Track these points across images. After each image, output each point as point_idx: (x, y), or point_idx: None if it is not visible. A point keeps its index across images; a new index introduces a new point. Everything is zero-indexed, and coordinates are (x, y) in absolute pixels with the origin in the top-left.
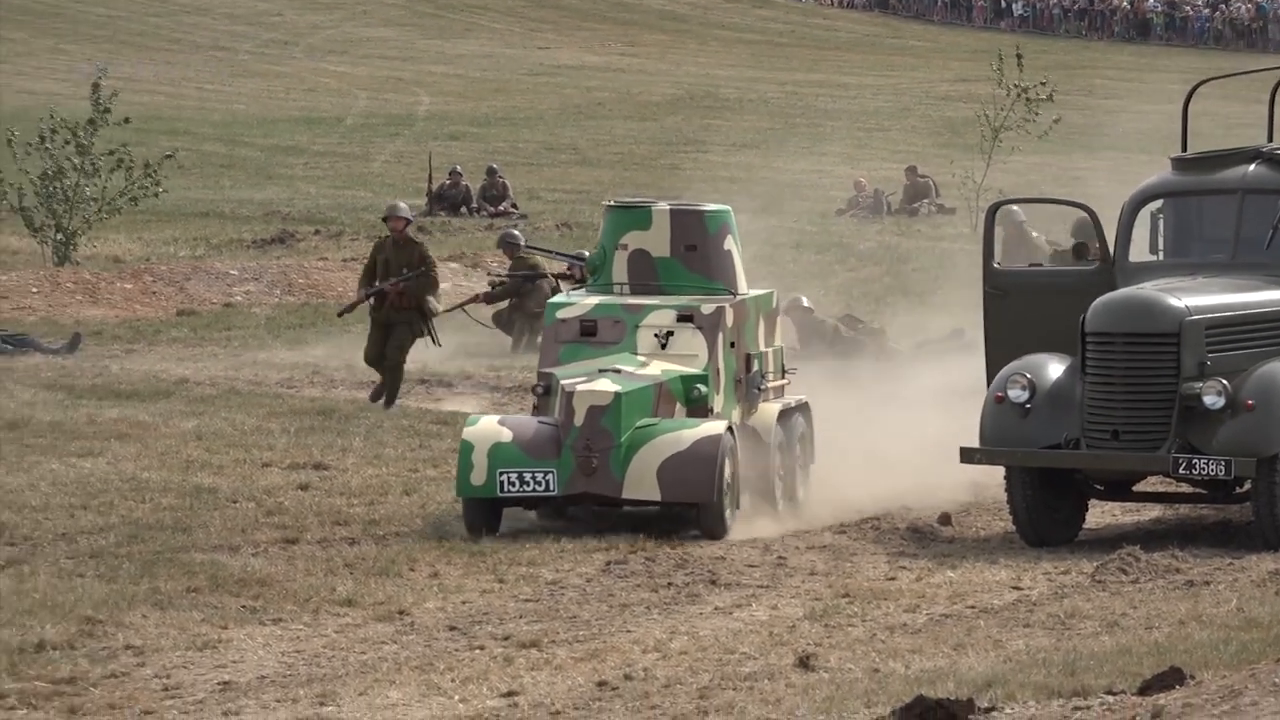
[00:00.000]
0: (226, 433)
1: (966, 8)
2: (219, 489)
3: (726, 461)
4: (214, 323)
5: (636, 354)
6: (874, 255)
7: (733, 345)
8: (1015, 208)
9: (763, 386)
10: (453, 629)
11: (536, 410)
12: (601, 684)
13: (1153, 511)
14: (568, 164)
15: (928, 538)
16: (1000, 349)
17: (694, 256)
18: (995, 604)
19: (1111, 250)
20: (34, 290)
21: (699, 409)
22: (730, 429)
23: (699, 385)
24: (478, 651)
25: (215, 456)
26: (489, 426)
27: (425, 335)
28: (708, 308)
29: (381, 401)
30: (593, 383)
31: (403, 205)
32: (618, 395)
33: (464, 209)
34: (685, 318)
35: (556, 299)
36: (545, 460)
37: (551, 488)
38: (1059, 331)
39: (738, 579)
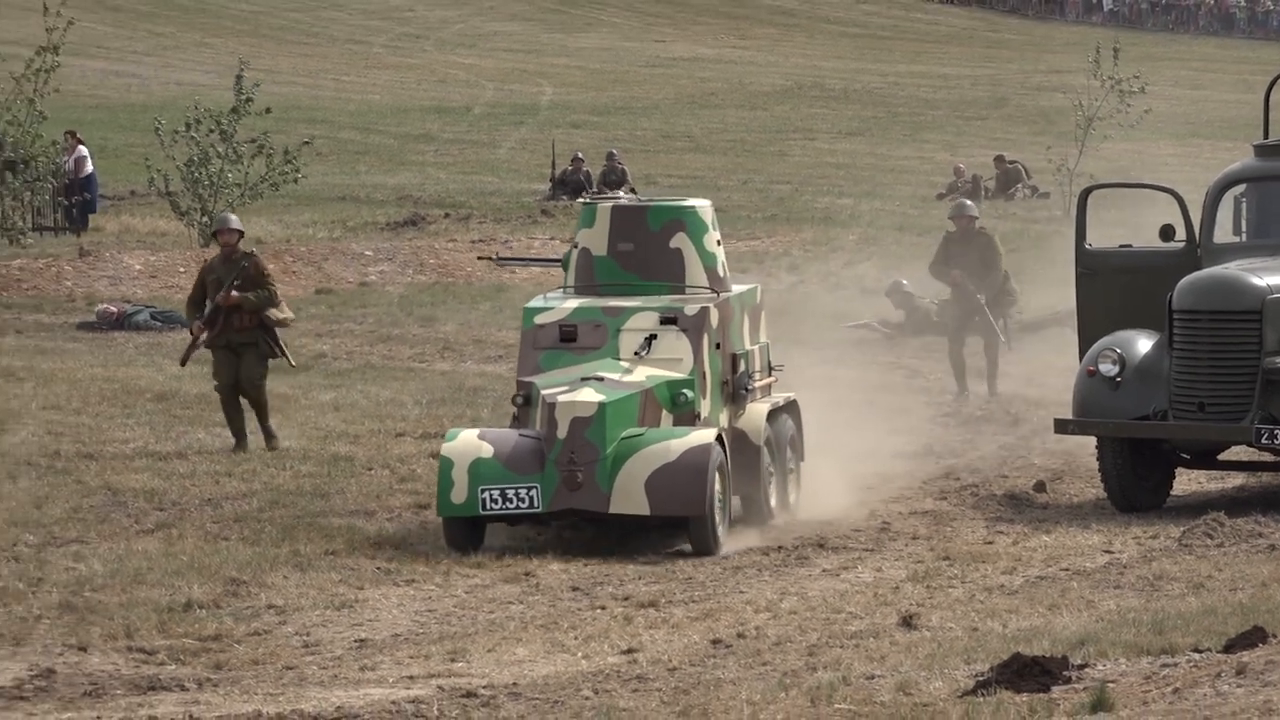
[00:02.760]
0: (362, 404)
1: (1060, 3)
2: (355, 457)
3: (717, 472)
4: (350, 300)
5: (619, 359)
6: None
7: (718, 346)
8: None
9: (750, 387)
10: (575, 589)
11: (516, 422)
12: (716, 642)
13: (1237, 479)
14: (682, 150)
15: (1024, 504)
16: (1091, 326)
17: (629, 256)
18: (1087, 567)
19: (1197, 232)
20: (181, 270)
21: (685, 415)
22: (720, 438)
23: (685, 390)
24: (599, 611)
25: (352, 427)
26: (469, 441)
27: (277, 355)
28: (691, 309)
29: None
30: (575, 393)
31: (233, 218)
32: (602, 405)
33: (585, 193)
34: (669, 320)
35: (533, 303)
36: (528, 476)
37: (536, 504)
38: (1147, 309)
39: (844, 543)
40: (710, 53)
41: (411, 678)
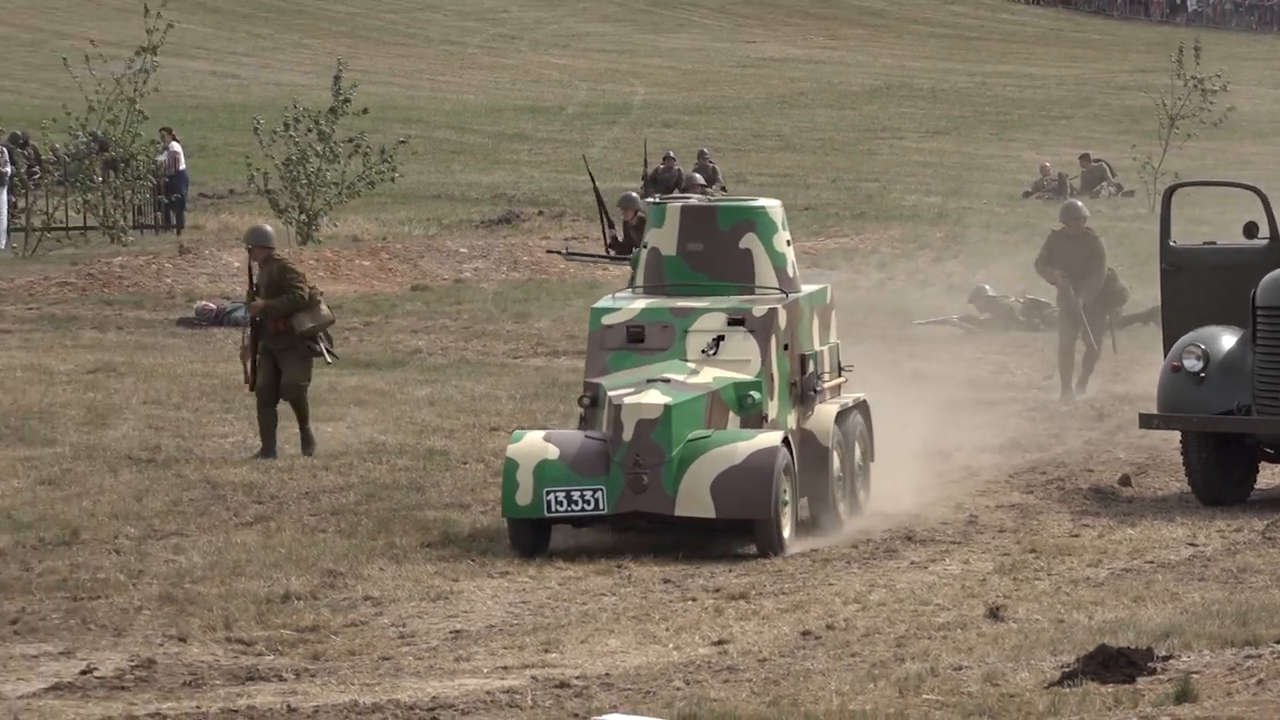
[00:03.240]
0: (457, 399)
1: (1144, 3)
2: (450, 451)
3: (783, 475)
4: (445, 297)
5: (686, 361)
6: None
7: (786, 347)
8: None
9: (819, 388)
10: (667, 582)
11: (583, 422)
12: (805, 633)
13: None
14: (773, 149)
15: (1109, 498)
16: (1176, 322)
17: (698, 256)
18: (1172, 559)
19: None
20: None
21: (753, 417)
22: (786, 440)
23: (752, 392)
24: (690, 603)
25: (447, 421)
26: (534, 443)
27: (319, 355)
28: (759, 309)
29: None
30: (641, 394)
31: (265, 230)
32: (668, 408)
33: (676, 191)
34: (736, 321)
35: (601, 303)
36: (593, 478)
37: (601, 506)
38: (1231, 305)
39: (932, 535)
40: (800, 53)
41: (506, 668)
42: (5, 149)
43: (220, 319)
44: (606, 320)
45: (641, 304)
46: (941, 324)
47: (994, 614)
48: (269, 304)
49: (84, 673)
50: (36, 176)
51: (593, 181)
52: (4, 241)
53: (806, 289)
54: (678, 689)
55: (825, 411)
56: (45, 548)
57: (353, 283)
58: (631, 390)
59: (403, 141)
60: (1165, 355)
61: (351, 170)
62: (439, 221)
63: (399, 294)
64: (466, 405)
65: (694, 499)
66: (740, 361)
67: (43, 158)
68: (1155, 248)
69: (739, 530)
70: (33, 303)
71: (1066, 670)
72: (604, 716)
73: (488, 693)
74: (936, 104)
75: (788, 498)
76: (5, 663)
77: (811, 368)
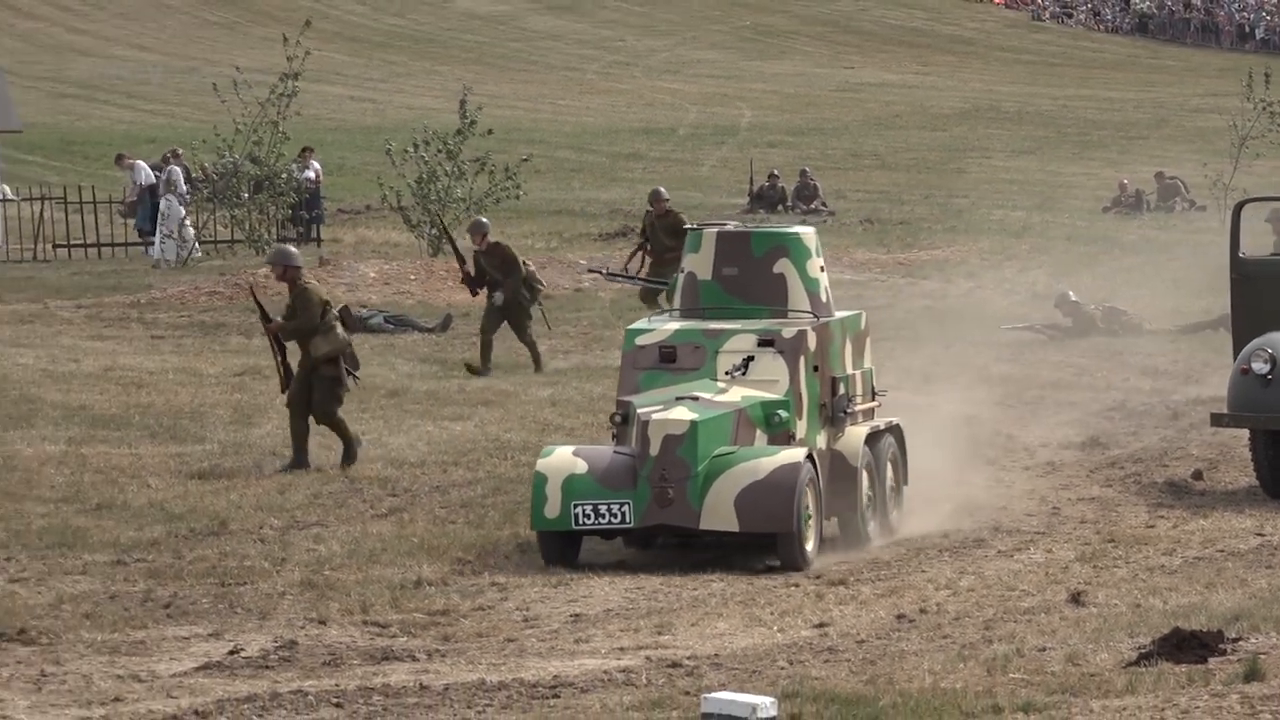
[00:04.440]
0: (576, 400)
1: (1215, 31)
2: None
3: (806, 490)
4: (565, 305)
5: (716, 380)
6: (1135, 247)
7: (816, 369)
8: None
9: (849, 410)
10: (771, 569)
11: (615, 439)
12: (900, 617)
13: None
14: (870, 168)
15: (1182, 491)
16: (1245, 328)
17: (733, 280)
18: (1241, 548)
19: None
20: (411, 277)
21: (781, 435)
22: (810, 456)
23: (780, 411)
24: (793, 588)
25: (567, 420)
26: (563, 458)
27: (348, 375)
28: (789, 331)
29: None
30: (668, 411)
31: (289, 251)
32: (694, 424)
33: (780, 207)
34: (766, 342)
35: (635, 325)
36: (620, 491)
37: (627, 519)
38: None
39: (1018, 526)
40: (895, 78)
41: (622, 649)
42: (184, 168)
43: (357, 326)
44: (640, 340)
45: (675, 325)
46: (1026, 330)
47: (1075, 599)
48: (283, 326)
49: (231, 653)
50: (188, 194)
51: (446, 234)
52: (167, 253)
53: (840, 314)
54: (781, 668)
55: (855, 433)
56: (195, 537)
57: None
58: (660, 407)
59: (525, 160)
60: (1235, 359)
61: (478, 187)
62: (560, 235)
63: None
64: (585, 405)
65: (718, 513)
66: (769, 381)
67: (193, 176)
68: (1225, 259)
69: (764, 545)
70: (184, 310)
71: (1143, 651)
72: (713, 694)
73: (605, 672)
74: (1022, 125)
75: (811, 512)
76: (159, 644)
77: (842, 390)
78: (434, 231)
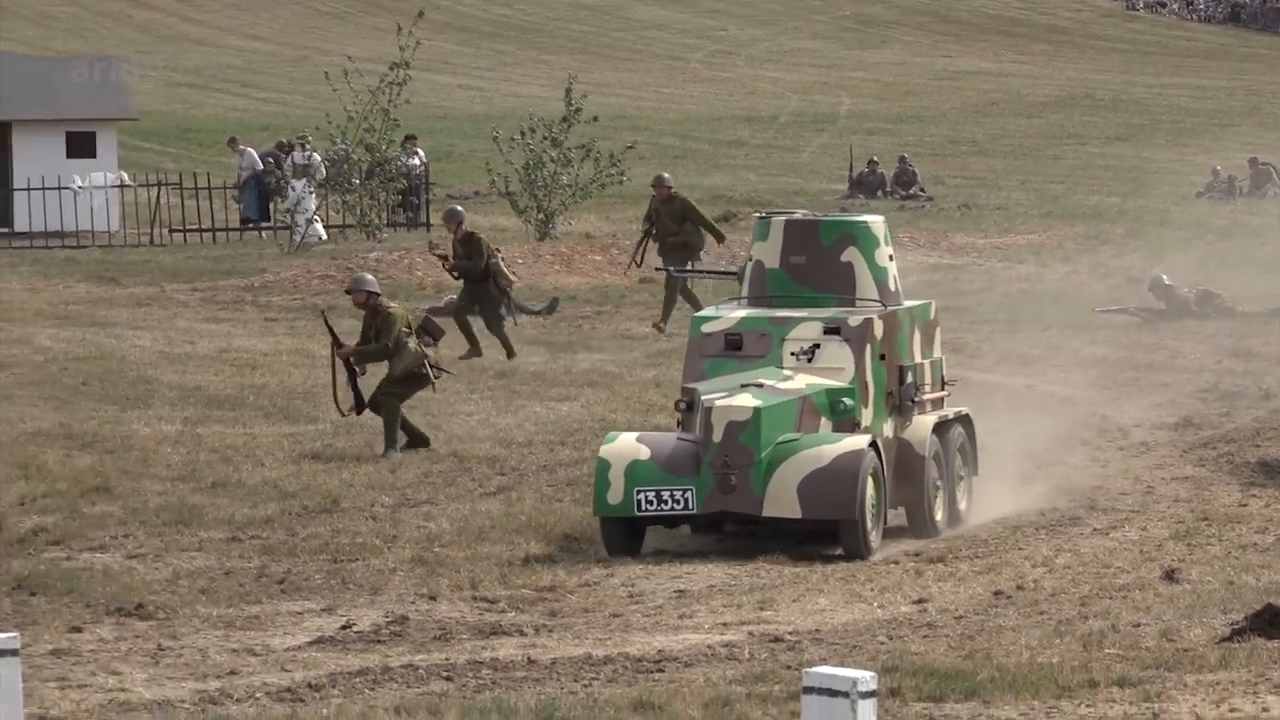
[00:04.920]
0: (679, 380)
1: None
2: (673, 428)
3: (869, 478)
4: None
5: (782, 368)
6: (1228, 231)
7: (883, 357)
8: None
9: (916, 399)
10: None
11: (681, 426)
12: (997, 593)
13: None
14: (967, 154)
15: (1275, 470)
16: None
17: (800, 268)
18: None
19: None
20: (520, 261)
21: (845, 423)
22: (874, 444)
23: (844, 399)
24: (893, 566)
25: (670, 400)
26: (627, 444)
27: (426, 380)
28: (855, 319)
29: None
30: (732, 398)
31: (366, 279)
32: (757, 410)
33: (879, 192)
34: (832, 330)
35: (702, 313)
36: (684, 478)
37: (690, 506)
38: None
39: (1113, 505)
40: (992, 67)
41: (725, 624)
42: (317, 155)
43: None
44: (706, 328)
45: (742, 313)
46: (1120, 312)
47: (1169, 576)
48: (359, 351)
49: (344, 628)
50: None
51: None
52: (305, 236)
53: (909, 303)
54: (881, 643)
55: (923, 422)
56: (309, 515)
57: (585, 275)
58: (724, 394)
59: (630, 147)
60: None
61: (584, 174)
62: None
63: (627, 286)
64: None
65: (781, 500)
66: (834, 369)
67: (319, 161)
68: None
69: (827, 533)
70: (297, 294)
71: (1236, 627)
72: (814, 668)
73: (708, 646)
74: (1116, 113)
75: (875, 500)
76: (273, 619)
77: (910, 379)
78: (540, 217)
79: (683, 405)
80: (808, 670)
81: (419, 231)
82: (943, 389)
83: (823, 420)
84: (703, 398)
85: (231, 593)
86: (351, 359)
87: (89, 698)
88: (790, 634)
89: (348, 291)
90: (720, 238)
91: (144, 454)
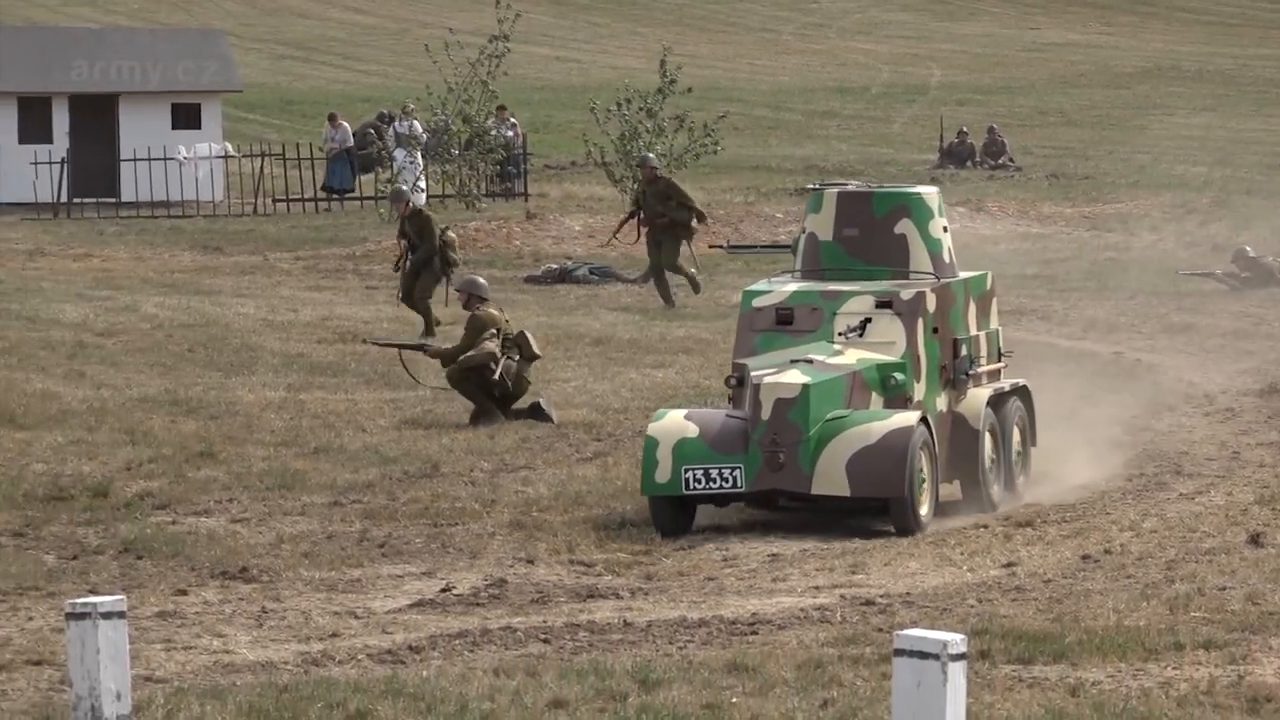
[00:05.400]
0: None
1: None
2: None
3: (919, 454)
4: (762, 257)
5: (833, 342)
6: None
7: (936, 331)
8: None
9: (971, 372)
10: (960, 512)
11: (732, 403)
12: (1085, 557)
13: None
14: (1055, 125)
15: None
16: None
17: (854, 241)
18: None
19: None
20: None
21: (897, 398)
22: (925, 419)
23: (895, 374)
24: (982, 530)
25: None
26: (674, 422)
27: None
28: (907, 293)
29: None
30: (781, 374)
31: (478, 281)
32: (806, 387)
33: (969, 163)
34: (884, 304)
35: (754, 286)
36: (732, 456)
37: (739, 484)
38: None
39: (1199, 470)
40: (1079, 38)
41: (817, 588)
42: (416, 122)
43: (563, 277)
44: (757, 303)
45: (793, 287)
46: (1206, 276)
47: (1254, 540)
48: (441, 352)
49: (443, 591)
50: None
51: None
52: (424, 199)
53: (964, 275)
54: (971, 606)
55: (977, 395)
56: (409, 479)
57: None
58: (773, 370)
59: (723, 118)
60: None
61: (678, 144)
62: (757, 189)
63: (722, 255)
64: None
65: (830, 477)
66: (886, 343)
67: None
68: None
69: (878, 509)
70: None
71: None
72: (905, 631)
73: (801, 609)
74: (1202, 84)
75: (925, 476)
76: (374, 582)
77: (964, 351)
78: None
79: (733, 381)
80: (899, 633)
81: (516, 201)
82: (999, 360)
83: (873, 396)
84: (752, 374)
85: (333, 556)
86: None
87: (194, 659)
88: (881, 597)
89: (457, 290)
90: (701, 217)
91: (248, 420)
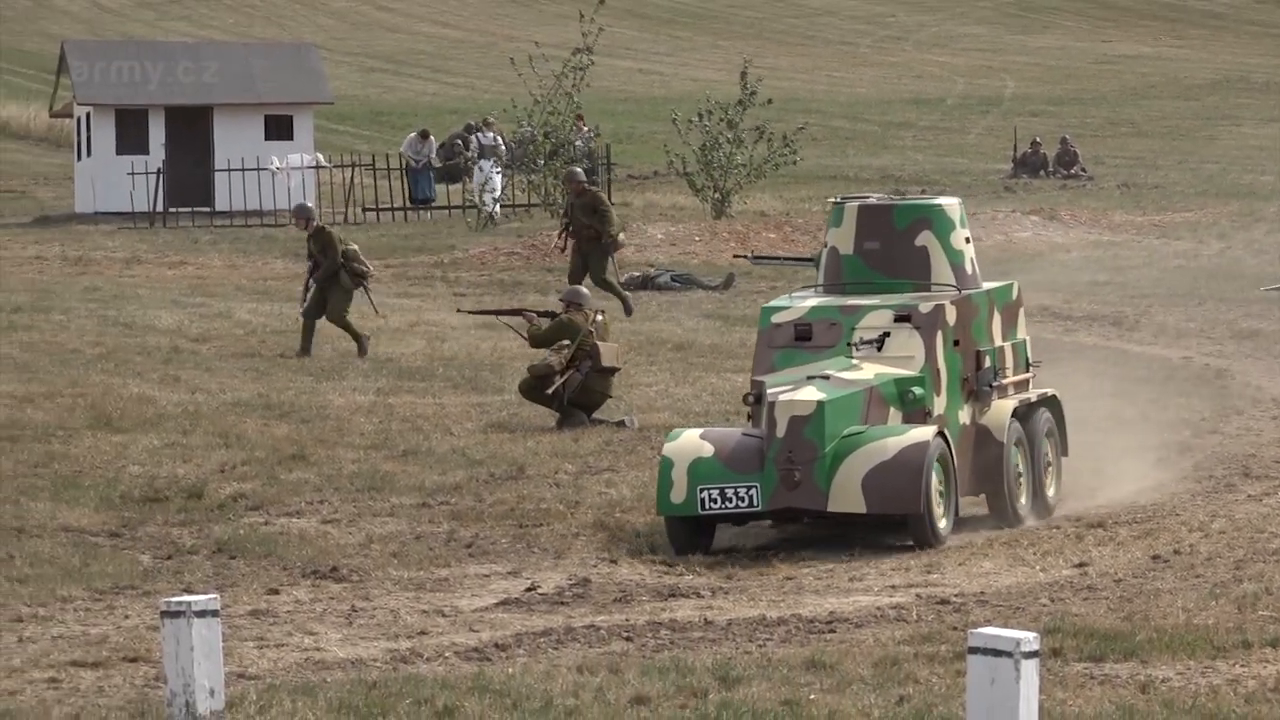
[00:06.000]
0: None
1: None
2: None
3: (935, 468)
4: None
5: (851, 358)
6: None
7: (957, 343)
8: None
9: (995, 383)
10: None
11: (751, 420)
12: (1155, 557)
13: None
14: (1126, 135)
15: None
16: None
17: (874, 254)
18: None
19: None
20: (696, 238)
21: (916, 413)
22: (942, 433)
23: (914, 388)
24: (1054, 531)
25: None
26: (690, 441)
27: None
28: (926, 306)
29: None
30: (796, 392)
31: (583, 292)
32: (820, 404)
33: (1042, 172)
34: (903, 317)
35: (773, 302)
36: (748, 474)
37: (755, 503)
38: None
39: (1266, 472)
40: (1150, 51)
41: (893, 587)
42: (501, 136)
43: (646, 283)
44: (776, 319)
45: (812, 302)
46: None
47: None
48: (534, 325)
49: (529, 590)
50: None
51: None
52: (496, 209)
53: (988, 285)
54: (1044, 605)
55: (1002, 407)
56: (495, 481)
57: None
58: (788, 387)
59: (801, 129)
60: None
61: (758, 154)
62: (834, 199)
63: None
64: None
65: (846, 495)
66: (904, 358)
67: (506, 141)
68: None
69: (897, 524)
70: (484, 270)
71: None
72: (979, 629)
73: (878, 608)
74: (1270, 95)
75: (942, 490)
76: (461, 581)
77: (989, 363)
78: (717, 196)
79: (751, 399)
80: (973, 631)
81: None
82: (1027, 371)
83: (891, 411)
84: (768, 391)
85: (421, 556)
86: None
87: (285, 656)
88: (956, 596)
89: (563, 300)
90: (613, 238)
91: (338, 423)
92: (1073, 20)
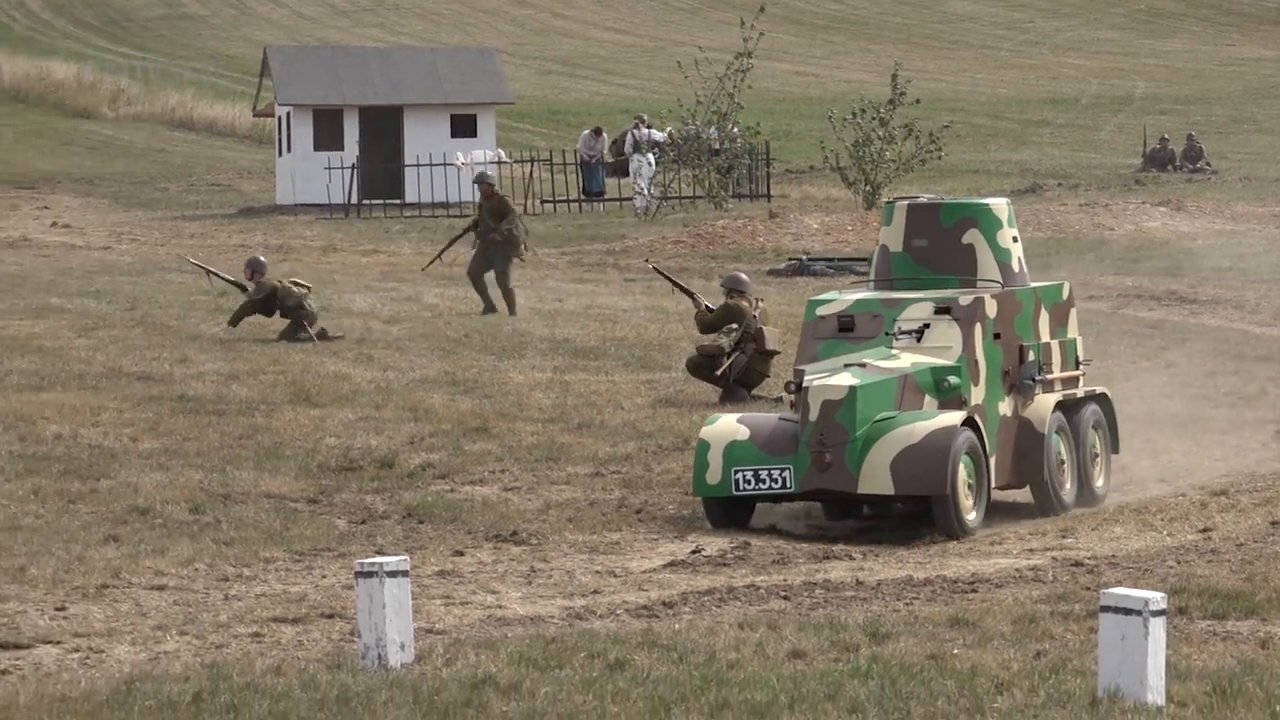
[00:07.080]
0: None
1: None
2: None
3: (963, 454)
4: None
5: (890, 348)
6: None
7: (998, 336)
8: None
9: (1037, 378)
10: (1161, 481)
11: (793, 407)
12: (1275, 523)
13: None
14: (1248, 132)
15: None
16: None
17: (922, 251)
18: None
19: None
20: (849, 228)
21: (952, 401)
22: (971, 420)
23: (950, 377)
24: (1180, 498)
25: None
26: (727, 425)
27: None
28: (965, 299)
29: None
30: (830, 378)
31: (742, 278)
32: (852, 389)
33: (1169, 167)
34: (943, 310)
35: (820, 296)
36: (781, 457)
37: (788, 484)
38: None
39: None
40: (1271, 54)
41: (1031, 550)
42: (658, 133)
43: (802, 270)
44: (820, 311)
45: (857, 295)
46: None
47: None
48: (703, 315)
49: (694, 553)
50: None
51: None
52: (644, 203)
53: (1038, 284)
54: (1170, 567)
55: (1044, 401)
56: (663, 452)
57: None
58: (824, 374)
59: (946, 127)
60: None
61: (906, 150)
62: (977, 192)
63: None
64: None
65: (875, 477)
66: (942, 348)
67: (662, 141)
68: None
69: (926, 509)
70: (653, 257)
71: None
72: (1110, 590)
73: (1016, 570)
74: None
75: (970, 476)
76: (631, 544)
77: (1032, 357)
78: (868, 188)
79: (793, 387)
80: (1105, 591)
81: (760, 202)
82: (1076, 368)
83: (926, 398)
84: (805, 378)
85: (595, 521)
86: (698, 316)
87: (470, 613)
88: (1089, 559)
89: (723, 284)
90: (515, 245)
91: (518, 399)
92: (1199, 25)
